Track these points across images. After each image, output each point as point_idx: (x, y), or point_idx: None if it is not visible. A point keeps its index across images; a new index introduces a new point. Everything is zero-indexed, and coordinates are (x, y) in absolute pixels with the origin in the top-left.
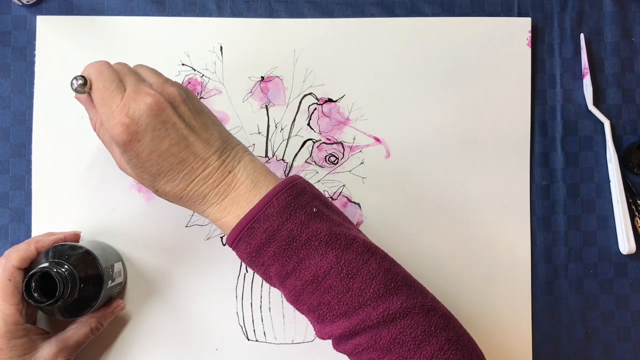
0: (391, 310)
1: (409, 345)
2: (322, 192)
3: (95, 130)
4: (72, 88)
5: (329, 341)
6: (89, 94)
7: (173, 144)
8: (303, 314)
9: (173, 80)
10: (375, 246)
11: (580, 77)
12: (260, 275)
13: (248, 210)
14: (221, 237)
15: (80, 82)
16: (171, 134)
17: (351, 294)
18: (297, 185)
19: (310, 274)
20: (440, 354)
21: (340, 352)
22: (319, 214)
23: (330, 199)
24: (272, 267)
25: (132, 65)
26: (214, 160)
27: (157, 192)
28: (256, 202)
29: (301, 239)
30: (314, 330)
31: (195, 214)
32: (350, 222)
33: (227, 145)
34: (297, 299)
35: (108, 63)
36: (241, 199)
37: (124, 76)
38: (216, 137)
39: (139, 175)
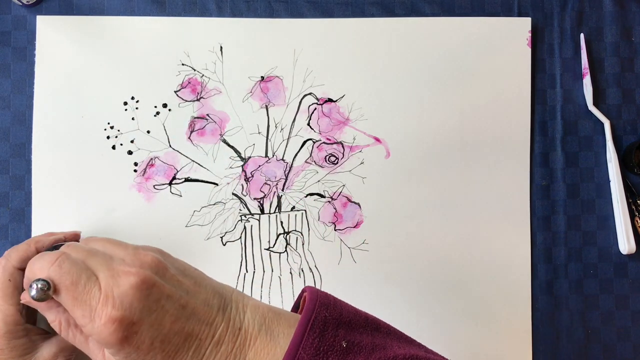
0: None
1: None
2: (322, 192)
3: (61, 334)
4: (32, 296)
5: None
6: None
7: (174, 321)
8: None
9: (140, 244)
10: (416, 356)
11: (580, 77)
12: None
13: None
14: (221, 237)
15: (40, 285)
16: (169, 310)
17: None
18: (318, 320)
19: None
20: None
21: None
22: (350, 347)
23: (348, 304)
24: None
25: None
26: (220, 321)
27: None
28: (279, 357)
29: None
30: None
31: (195, 213)
32: (376, 326)
33: (226, 298)
34: None
35: (65, 253)
36: (262, 357)
37: (86, 260)
38: (212, 293)
39: None
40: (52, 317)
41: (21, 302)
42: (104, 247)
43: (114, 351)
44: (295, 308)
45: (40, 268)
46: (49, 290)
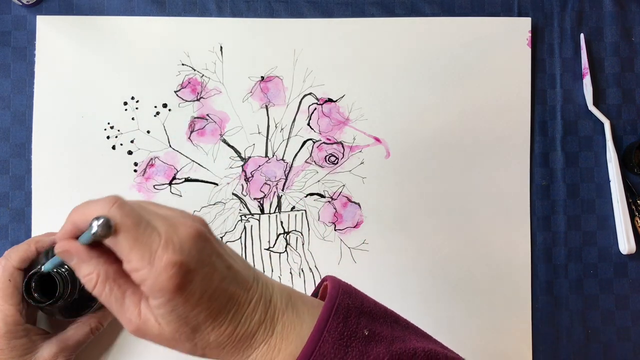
0: None
1: None
2: (322, 192)
3: (93, 289)
4: (94, 233)
5: None
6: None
7: (221, 279)
8: None
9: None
10: (433, 351)
11: (580, 77)
12: None
13: (301, 348)
14: (221, 237)
15: (102, 222)
16: (218, 268)
17: None
18: (341, 307)
19: None
20: None
21: None
22: (372, 335)
23: (367, 295)
24: None
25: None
26: (255, 290)
27: (194, 348)
28: (305, 334)
29: None
30: None
31: (195, 213)
32: (396, 322)
33: (255, 273)
34: None
35: (120, 197)
36: (289, 331)
37: (140, 211)
38: (245, 264)
39: (177, 331)
40: (90, 269)
41: (57, 253)
42: (146, 205)
43: (163, 301)
44: (314, 296)
45: (100, 209)
46: (111, 228)
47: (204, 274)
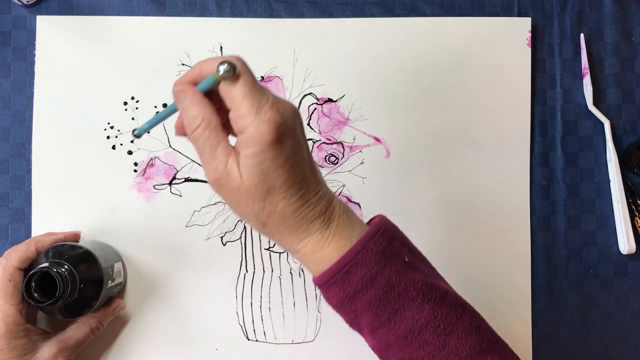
0: None
1: None
2: None
3: (192, 133)
4: (221, 74)
5: (329, 341)
6: (215, 86)
7: (303, 159)
8: None
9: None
10: (463, 299)
11: (580, 77)
12: (346, 321)
13: (350, 247)
14: (221, 237)
15: (229, 65)
16: (303, 148)
17: (447, 352)
18: (388, 230)
19: (406, 327)
20: None
21: None
22: (411, 263)
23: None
24: (364, 316)
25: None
26: (322, 187)
27: (260, 214)
28: (354, 238)
29: (399, 288)
30: None
31: (195, 213)
32: (433, 269)
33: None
34: (385, 350)
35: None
36: (342, 230)
37: None
38: (318, 167)
39: (254, 186)
40: (198, 111)
41: (174, 92)
42: None
43: (256, 151)
44: None
45: (226, 59)
46: (235, 72)
47: (293, 144)
